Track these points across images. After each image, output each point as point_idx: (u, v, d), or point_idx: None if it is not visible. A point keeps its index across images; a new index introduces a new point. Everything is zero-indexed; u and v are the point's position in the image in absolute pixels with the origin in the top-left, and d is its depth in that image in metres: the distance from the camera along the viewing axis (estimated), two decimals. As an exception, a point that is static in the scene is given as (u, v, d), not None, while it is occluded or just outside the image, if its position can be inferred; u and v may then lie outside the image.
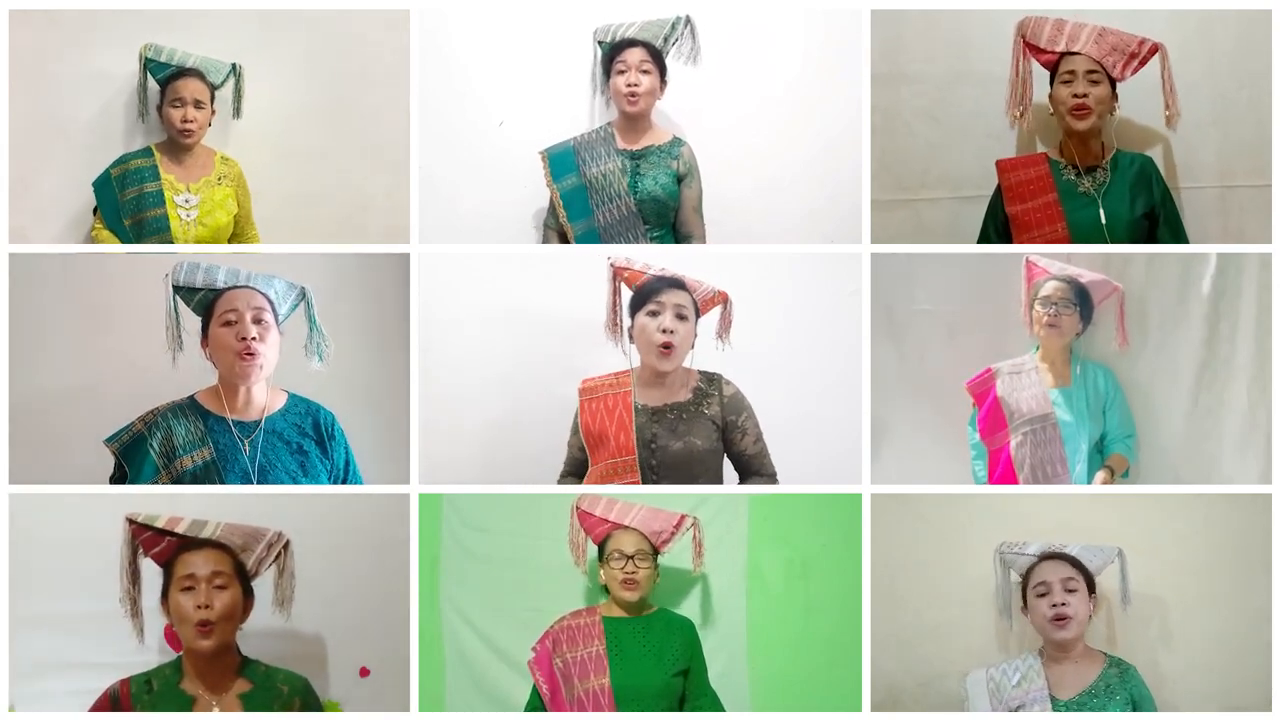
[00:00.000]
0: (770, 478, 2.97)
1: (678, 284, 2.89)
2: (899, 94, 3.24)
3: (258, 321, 2.75)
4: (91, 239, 3.15)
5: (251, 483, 2.75)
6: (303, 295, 2.87)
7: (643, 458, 2.87)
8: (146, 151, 3.17)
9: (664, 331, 2.84)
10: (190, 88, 3.12)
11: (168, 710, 2.55)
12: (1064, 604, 2.72)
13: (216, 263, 2.83)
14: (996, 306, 3.19)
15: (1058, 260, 3.11)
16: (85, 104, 3.19)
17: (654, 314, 2.86)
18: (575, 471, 3.00)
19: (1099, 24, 3.05)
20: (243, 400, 2.80)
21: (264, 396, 2.83)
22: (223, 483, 2.74)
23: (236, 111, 3.22)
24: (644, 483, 2.86)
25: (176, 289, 2.78)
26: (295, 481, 2.80)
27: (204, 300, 2.78)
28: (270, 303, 2.79)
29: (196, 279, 2.78)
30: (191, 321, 2.80)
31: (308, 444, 2.84)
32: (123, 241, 3.12)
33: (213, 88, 3.15)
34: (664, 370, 2.88)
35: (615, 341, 2.98)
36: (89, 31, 3.17)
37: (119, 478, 2.78)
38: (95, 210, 3.15)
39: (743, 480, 2.99)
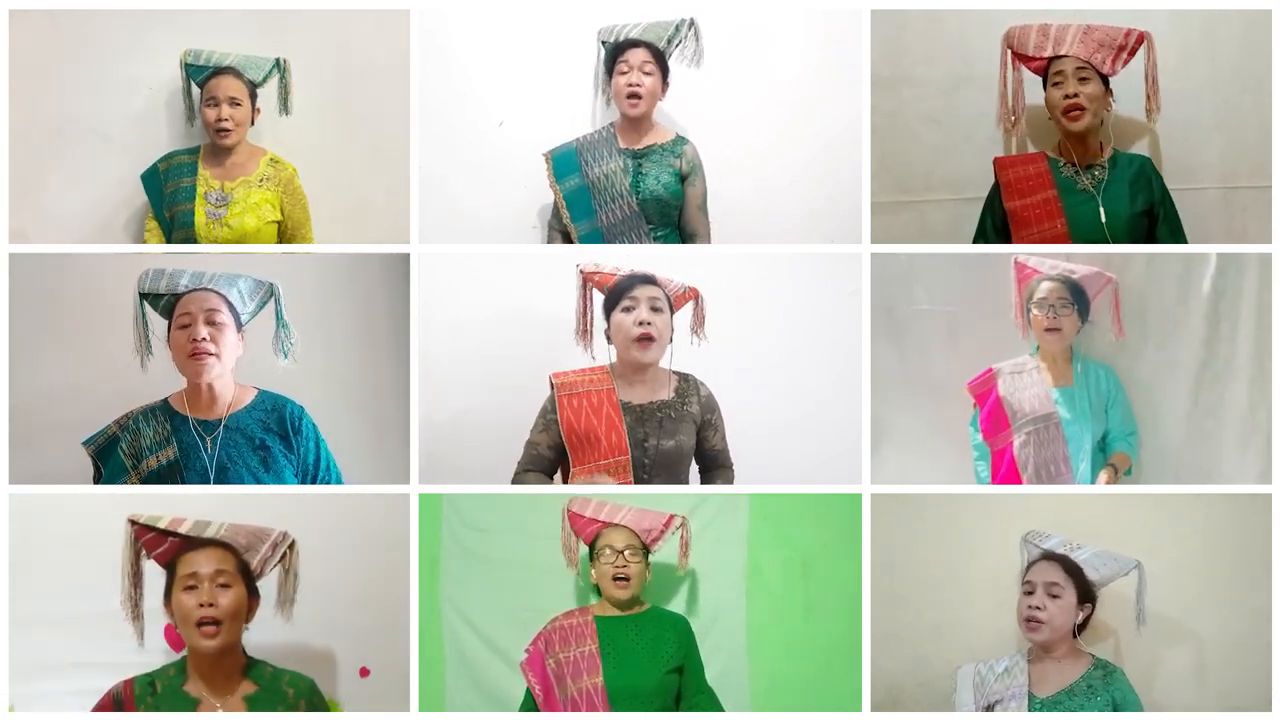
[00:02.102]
0: (731, 468, 3.01)
1: (649, 279, 2.90)
2: (902, 97, 3.24)
3: (210, 323, 2.75)
4: (146, 229, 3.16)
5: (209, 481, 2.76)
6: (271, 292, 2.87)
7: (636, 458, 2.87)
8: (194, 148, 3.16)
9: (641, 324, 2.84)
10: (224, 86, 3.08)
11: (170, 712, 2.53)
12: (1039, 608, 2.72)
13: (183, 266, 2.83)
14: (996, 306, 3.18)
15: (1048, 259, 3.11)
16: (85, 104, 3.19)
17: (629, 309, 2.87)
18: (539, 469, 2.94)
19: (1084, 23, 3.05)
20: (207, 399, 2.81)
21: (229, 394, 2.83)
22: (184, 482, 2.75)
23: (284, 107, 3.17)
24: (636, 483, 2.86)
25: (144, 296, 2.80)
26: (257, 478, 2.79)
27: (168, 305, 2.80)
28: (228, 304, 2.79)
29: (160, 285, 2.79)
30: (162, 326, 2.82)
31: (270, 439, 2.83)
32: (165, 233, 3.12)
33: (252, 85, 3.12)
34: (646, 361, 2.88)
35: (585, 348, 2.98)
36: (90, 32, 3.16)
37: (96, 479, 2.80)
38: None
39: (706, 473, 3.01)
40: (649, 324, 2.85)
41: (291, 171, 3.16)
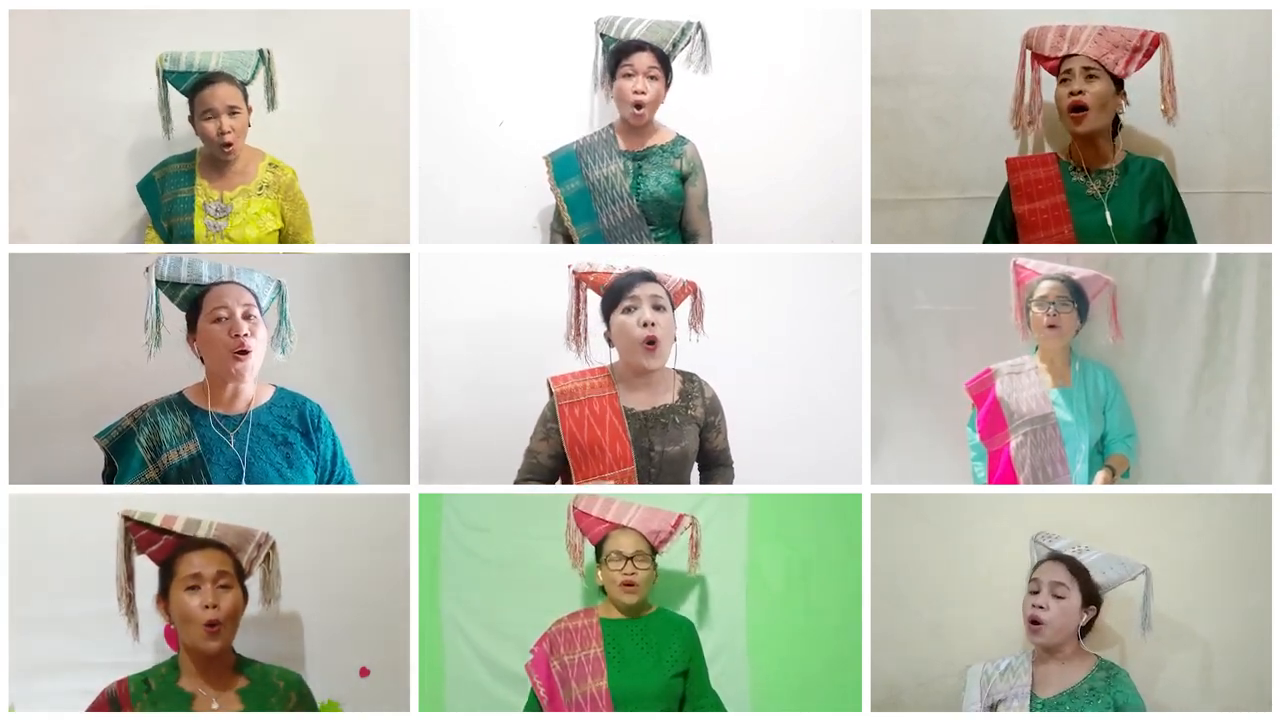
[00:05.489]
0: (731, 466, 2.99)
1: (648, 276, 2.85)
2: (909, 95, 3.23)
3: (247, 318, 2.76)
4: (147, 240, 3.13)
5: (239, 474, 2.76)
6: (279, 289, 2.87)
7: (641, 466, 2.84)
8: (189, 155, 3.09)
9: (645, 325, 2.78)
10: (220, 95, 2.98)
11: (167, 708, 2.57)
12: (1042, 607, 2.71)
13: (199, 258, 2.81)
14: (996, 306, 3.18)
15: (1046, 260, 3.11)
16: (86, 104, 3.18)
17: (630, 309, 2.80)
18: (539, 478, 2.89)
19: (1100, 24, 3.04)
20: (229, 394, 2.81)
21: (250, 390, 2.84)
22: (208, 476, 2.75)
23: (271, 102, 3.08)
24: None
25: (160, 283, 2.76)
26: (280, 473, 2.80)
27: (189, 295, 2.77)
28: (255, 297, 2.80)
29: (181, 274, 2.76)
30: (175, 317, 2.80)
31: (292, 436, 2.84)
32: (165, 242, 3.07)
33: (244, 86, 3.03)
34: (652, 367, 2.83)
35: (578, 352, 2.92)
36: (90, 31, 3.16)
37: (109, 473, 2.79)
38: None
39: (705, 471, 2.99)
40: (653, 324, 2.79)
41: (292, 175, 3.10)
